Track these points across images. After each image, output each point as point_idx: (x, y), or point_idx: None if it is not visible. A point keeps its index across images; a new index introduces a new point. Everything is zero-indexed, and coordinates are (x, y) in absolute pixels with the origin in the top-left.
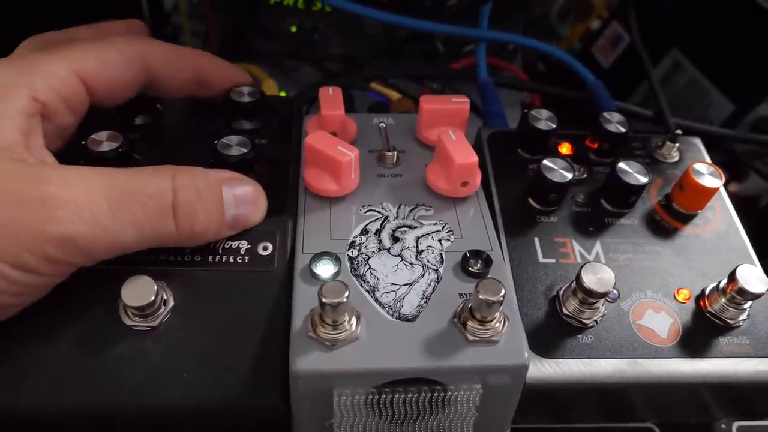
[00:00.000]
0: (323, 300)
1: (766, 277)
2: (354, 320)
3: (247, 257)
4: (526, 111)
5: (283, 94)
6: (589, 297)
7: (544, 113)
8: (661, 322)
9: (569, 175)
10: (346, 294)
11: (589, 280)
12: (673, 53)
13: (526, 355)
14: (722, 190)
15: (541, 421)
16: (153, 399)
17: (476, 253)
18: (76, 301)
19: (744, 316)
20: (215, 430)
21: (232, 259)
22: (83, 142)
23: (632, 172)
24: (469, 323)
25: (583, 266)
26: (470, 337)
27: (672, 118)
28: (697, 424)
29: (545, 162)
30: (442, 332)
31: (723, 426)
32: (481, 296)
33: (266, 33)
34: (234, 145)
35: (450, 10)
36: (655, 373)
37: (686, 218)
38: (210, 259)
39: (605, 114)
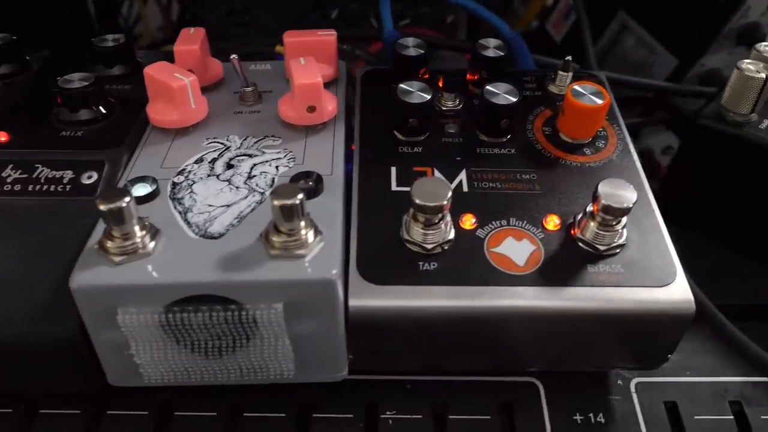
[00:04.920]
0: (101, 207)
1: (632, 190)
2: (147, 236)
3: (68, 186)
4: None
5: None
6: (421, 213)
7: (411, 41)
8: (521, 249)
9: (427, 96)
10: (127, 199)
11: (419, 196)
12: (619, 16)
13: (335, 271)
14: (620, 119)
15: (405, 365)
16: None
17: (306, 174)
18: None
19: (619, 241)
20: (19, 359)
21: (53, 188)
22: None
23: (500, 93)
24: (273, 237)
25: (414, 183)
26: (272, 252)
27: (603, 71)
28: (591, 379)
29: (401, 85)
30: (246, 248)
31: (620, 383)
32: (275, 201)
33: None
34: (76, 80)
35: None
36: (501, 301)
37: (572, 147)
38: (30, 188)
39: (481, 41)
